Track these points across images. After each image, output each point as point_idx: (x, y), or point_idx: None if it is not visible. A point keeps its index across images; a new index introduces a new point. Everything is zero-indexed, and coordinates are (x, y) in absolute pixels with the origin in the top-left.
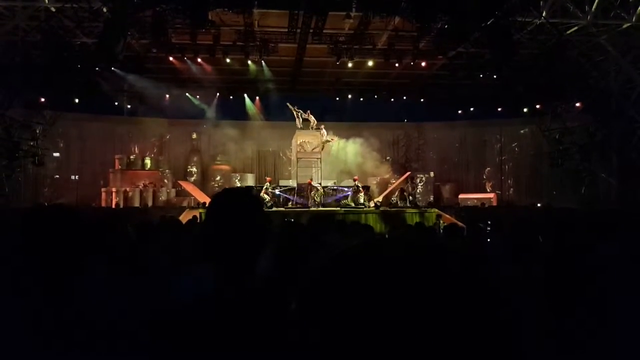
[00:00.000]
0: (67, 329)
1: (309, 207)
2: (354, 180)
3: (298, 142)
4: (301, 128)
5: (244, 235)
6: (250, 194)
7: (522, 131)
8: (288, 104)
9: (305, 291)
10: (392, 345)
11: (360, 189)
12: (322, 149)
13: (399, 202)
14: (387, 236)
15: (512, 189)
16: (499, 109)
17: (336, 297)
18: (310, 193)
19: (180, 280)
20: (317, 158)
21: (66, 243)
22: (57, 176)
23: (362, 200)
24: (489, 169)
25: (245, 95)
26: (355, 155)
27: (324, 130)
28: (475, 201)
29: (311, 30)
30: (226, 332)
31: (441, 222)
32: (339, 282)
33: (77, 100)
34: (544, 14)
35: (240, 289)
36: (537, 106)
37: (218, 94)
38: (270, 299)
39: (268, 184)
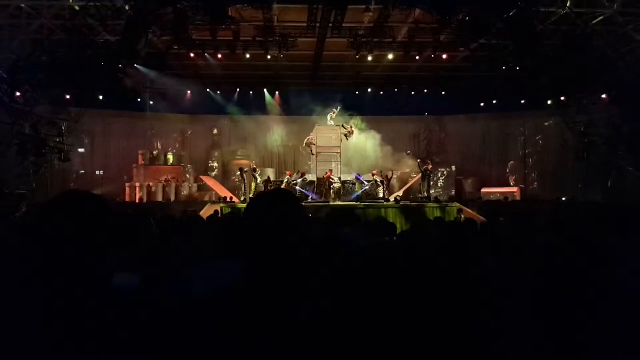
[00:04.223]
0: (87, 319)
1: (328, 202)
2: (373, 174)
3: (317, 136)
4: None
5: (283, 233)
6: (292, 195)
7: (546, 124)
8: (338, 107)
9: (318, 290)
10: (389, 341)
11: (379, 183)
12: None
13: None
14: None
15: (536, 183)
16: (523, 102)
17: (344, 295)
18: (330, 187)
19: (201, 274)
20: (337, 152)
21: (96, 230)
22: (83, 172)
23: (381, 195)
24: (512, 162)
25: (265, 90)
26: (375, 149)
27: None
28: (499, 195)
29: (330, 25)
30: (246, 327)
31: (462, 216)
32: (347, 282)
33: (101, 97)
34: (568, 3)
35: (267, 284)
36: (562, 98)
37: (238, 89)
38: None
39: (288, 176)
